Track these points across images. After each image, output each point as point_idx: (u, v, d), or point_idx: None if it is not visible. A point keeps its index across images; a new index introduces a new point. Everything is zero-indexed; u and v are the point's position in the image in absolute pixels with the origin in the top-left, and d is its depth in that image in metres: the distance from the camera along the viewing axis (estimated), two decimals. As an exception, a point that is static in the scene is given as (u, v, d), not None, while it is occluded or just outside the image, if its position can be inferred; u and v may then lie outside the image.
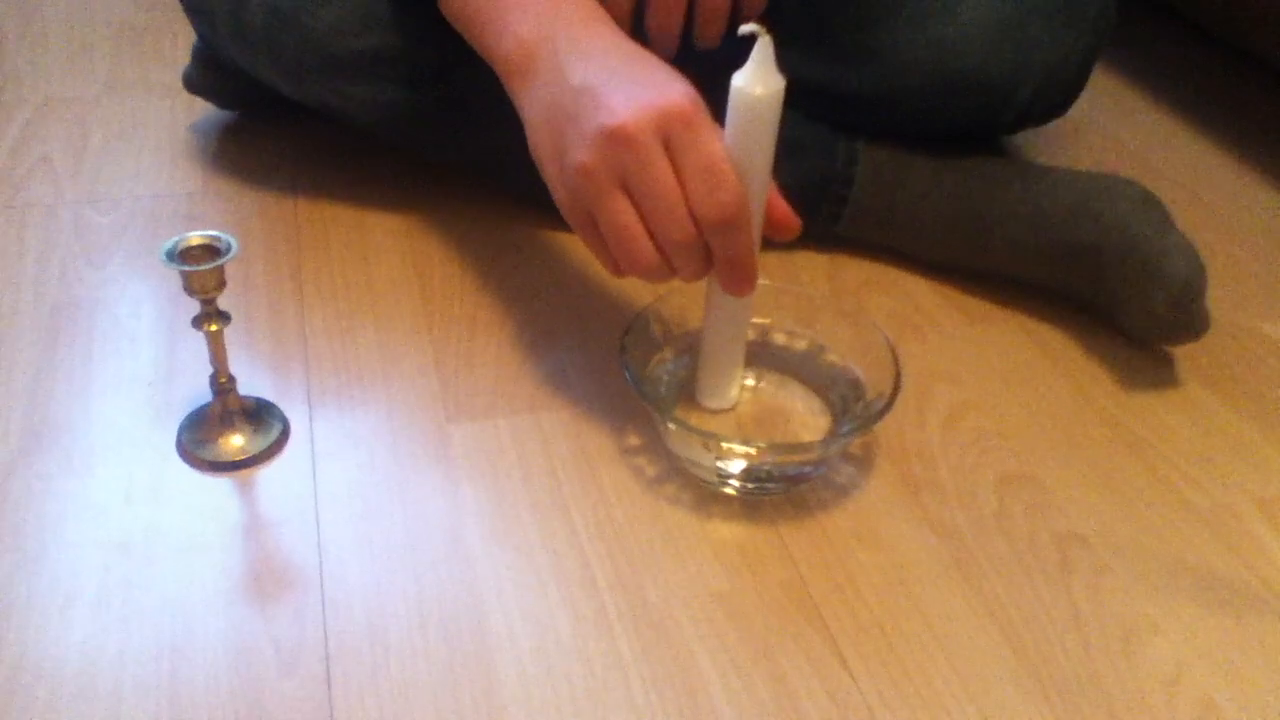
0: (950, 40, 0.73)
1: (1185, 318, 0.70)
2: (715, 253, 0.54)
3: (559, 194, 0.56)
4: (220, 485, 0.61)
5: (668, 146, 0.52)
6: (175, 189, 0.86)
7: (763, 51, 0.51)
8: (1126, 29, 1.21)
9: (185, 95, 0.94)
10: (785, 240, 0.59)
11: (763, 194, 0.56)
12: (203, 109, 0.96)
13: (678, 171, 0.52)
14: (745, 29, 0.51)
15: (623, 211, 0.53)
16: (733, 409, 0.66)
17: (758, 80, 0.52)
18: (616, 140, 0.51)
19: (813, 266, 0.81)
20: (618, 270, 0.57)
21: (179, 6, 0.80)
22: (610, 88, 0.53)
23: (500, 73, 0.60)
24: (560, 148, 0.55)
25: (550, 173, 0.57)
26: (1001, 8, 0.73)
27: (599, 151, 0.52)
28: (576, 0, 0.59)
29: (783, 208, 0.58)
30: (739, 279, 0.55)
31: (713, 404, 0.65)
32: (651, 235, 0.54)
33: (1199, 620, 0.56)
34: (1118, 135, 1.03)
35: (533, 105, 0.57)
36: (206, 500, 0.60)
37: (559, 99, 0.55)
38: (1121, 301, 0.72)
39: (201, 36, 0.83)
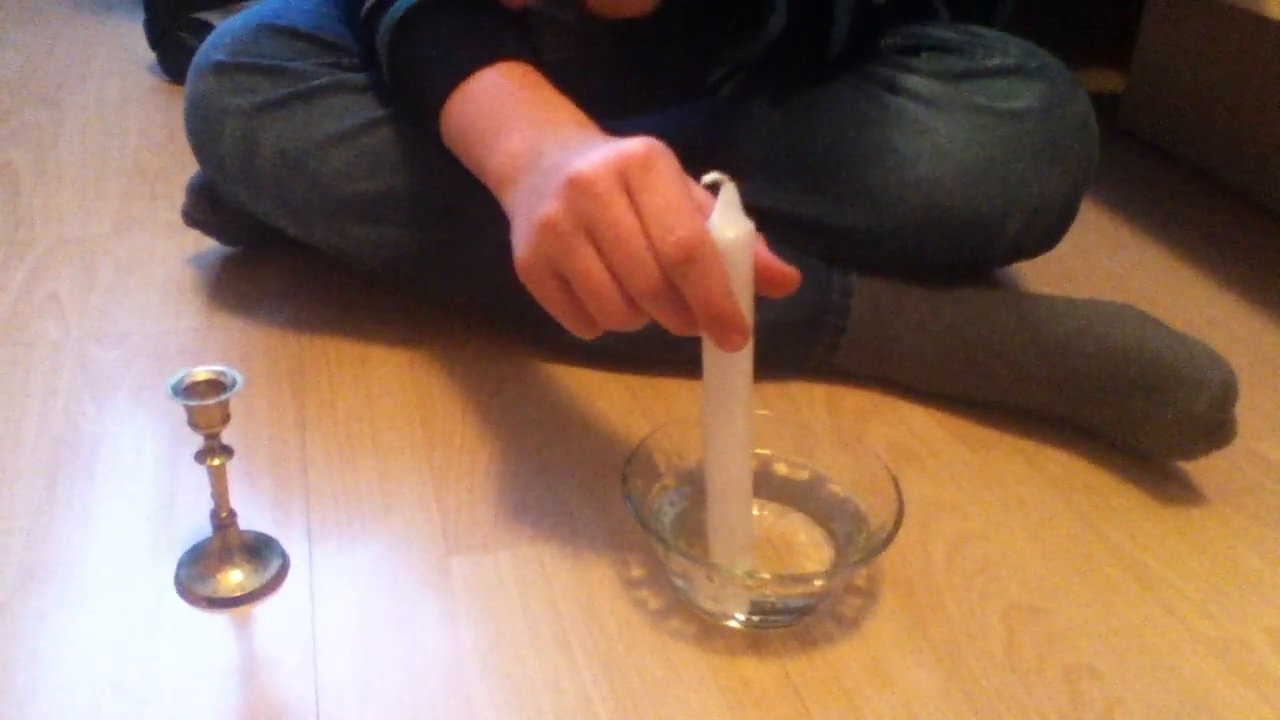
0: (939, 179, 0.76)
1: (1227, 420, 0.71)
2: (690, 300, 0.51)
3: (522, 256, 0.55)
4: (217, 623, 0.60)
5: (629, 191, 0.51)
6: (180, 324, 0.88)
7: (728, 197, 0.52)
8: (1110, 163, 1.25)
9: (192, 233, 0.96)
10: (786, 294, 0.55)
11: (749, 320, 0.55)
12: (209, 246, 0.98)
13: (639, 215, 0.51)
14: (708, 178, 0.52)
15: (591, 262, 0.52)
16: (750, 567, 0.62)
17: (728, 224, 0.52)
18: (577, 187, 0.51)
19: (811, 396, 0.82)
20: (585, 328, 0.55)
21: (189, 148, 0.82)
22: (577, 154, 0.53)
23: (492, 186, 0.61)
24: (530, 217, 0.54)
25: (519, 245, 0.55)
26: (989, 147, 0.76)
27: (562, 202, 0.52)
28: (565, 114, 0.61)
29: (774, 264, 0.54)
30: (723, 327, 0.51)
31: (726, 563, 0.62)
32: (623, 284, 0.52)
33: (1217, 756, 0.55)
34: (1105, 265, 1.05)
35: (516, 202, 0.57)
36: (203, 639, 0.59)
37: (537, 183, 0.55)
38: (1145, 418, 0.72)
39: (211, 179, 0.85)
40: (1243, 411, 0.73)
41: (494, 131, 0.61)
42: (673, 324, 0.53)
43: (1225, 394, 0.70)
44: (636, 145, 0.52)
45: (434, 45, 0.67)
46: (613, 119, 0.88)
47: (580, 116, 0.61)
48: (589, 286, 0.52)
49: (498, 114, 0.62)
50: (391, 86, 0.73)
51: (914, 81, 0.78)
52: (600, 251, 0.52)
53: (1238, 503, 0.73)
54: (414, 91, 0.69)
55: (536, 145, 0.58)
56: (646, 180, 0.51)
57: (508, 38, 0.65)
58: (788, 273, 0.55)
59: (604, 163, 0.51)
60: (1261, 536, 0.70)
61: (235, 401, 0.58)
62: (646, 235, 0.51)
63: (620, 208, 0.51)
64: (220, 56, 0.78)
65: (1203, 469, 0.76)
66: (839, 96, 0.80)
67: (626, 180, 0.51)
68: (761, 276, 0.54)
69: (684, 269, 0.50)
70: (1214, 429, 0.71)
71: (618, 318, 0.53)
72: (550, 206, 0.52)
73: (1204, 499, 0.74)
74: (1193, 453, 0.73)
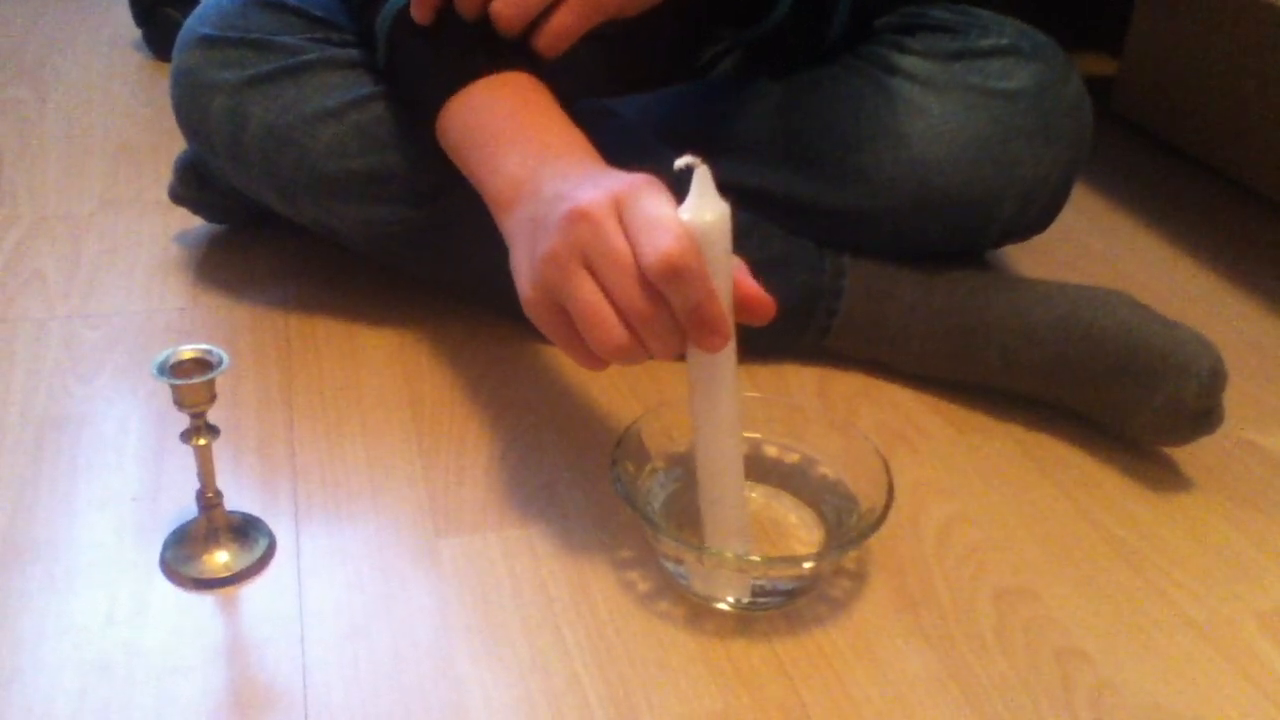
0: (933, 160, 0.75)
1: (1215, 406, 0.71)
2: (676, 309, 0.52)
3: (526, 292, 0.56)
4: (204, 604, 0.60)
5: (621, 218, 0.52)
6: (167, 304, 0.87)
7: (702, 181, 0.52)
8: (1101, 147, 1.25)
9: (179, 212, 0.95)
10: (762, 323, 0.56)
11: (728, 313, 0.54)
12: (195, 224, 0.97)
13: (628, 236, 0.52)
14: (681, 162, 0.52)
15: (588, 290, 0.52)
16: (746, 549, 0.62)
17: (704, 208, 0.52)
18: (576, 219, 0.52)
19: (802, 379, 0.82)
20: (591, 361, 0.55)
21: (175, 126, 0.81)
22: (577, 188, 0.54)
23: (490, 205, 0.61)
24: (533, 252, 0.55)
25: (522, 281, 0.56)
26: (983, 128, 0.75)
27: (562, 234, 0.52)
28: (563, 137, 0.61)
29: (753, 287, 0.55)
30: (708, 331, 0.52)
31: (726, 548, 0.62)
32: (617, 310, 0.52)
33: (1205, 739, 0.55)
34: (1097, 250, 1.05)
35: (515, 229, 0.58)
36: (189, 619, 0.58)
37: (536, 213, 0.56)
38: (1134, 404, 0.72)
39: (199, 156, 0.84)
40: (1231, 397, 0.73)
41: (494, 151, 0.61)
42: (663, 349, 0.53)
43: (1213, 380, 0.70)
44: (631, 177, 0.53)
45: (436, 44, 0.66)
46: (606, 96, 0.88)
47: (581, 142, 0.61)
48: (587, 315, 0.52)
49: (498, 132, 0.62)
50: (386, 74, 0.72)
51: (909, 61, 0.78)
52: (595, 277, 0.52)
53: (1226, 488, 0.73)
54: (411, 86, 0.68)
55: (537, 172, 0.59)
56: (634, 202, 0.52)
57: (512, 45, 0.64)
58: (767, 301, 0.55)
59: (603, 194, 0.52)
60: (1250, 521, 0.70)
61: (222, 382, 0.57)
62: (634, 254, 0.51)
63: (614, 233, 0.52)
64: (207, 30, 0.77)
65: (1192, 454, 0.76)
66: (834, 77, 0.80)
67: (620, 208, 0.52)
68: (742, 303, 0.55)
69: (670, 279, 0.51)
70: (1202, 415, 0.71)
71: (616, 345, 0.53)
72: (552, 241, 0.53)
73: (1193, 484, 0.74)
74: (1181, 438, 0.73)
